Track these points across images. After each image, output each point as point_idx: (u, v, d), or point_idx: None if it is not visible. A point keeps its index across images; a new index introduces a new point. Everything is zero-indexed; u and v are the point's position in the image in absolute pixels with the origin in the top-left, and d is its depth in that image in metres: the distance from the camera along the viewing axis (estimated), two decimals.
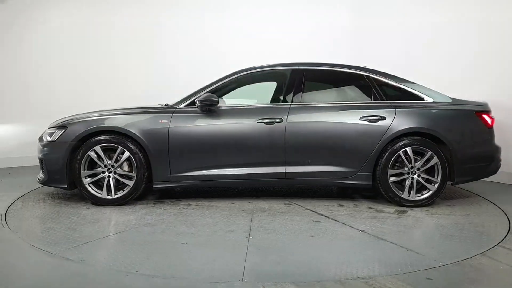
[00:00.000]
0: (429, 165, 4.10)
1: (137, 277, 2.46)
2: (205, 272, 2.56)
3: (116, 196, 4.02)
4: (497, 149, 4.33)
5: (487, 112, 4.27)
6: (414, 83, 4.37)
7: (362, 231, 3.39)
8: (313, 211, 3.93)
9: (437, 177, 4.11)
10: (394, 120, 4.09)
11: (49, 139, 4.09)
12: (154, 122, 4.04)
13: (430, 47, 5.80)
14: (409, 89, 4.29)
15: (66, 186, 4.04)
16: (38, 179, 4.18)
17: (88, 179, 4.01)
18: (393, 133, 4.07)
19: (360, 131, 4.09)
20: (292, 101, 4.19)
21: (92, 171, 4.01)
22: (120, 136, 4.00)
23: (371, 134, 4.08)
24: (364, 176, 4.13)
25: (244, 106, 4.24)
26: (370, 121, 4.09)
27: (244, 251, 2.90)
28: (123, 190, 4.04)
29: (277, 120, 4.05)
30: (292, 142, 4.06)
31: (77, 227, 3.40)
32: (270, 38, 6.31)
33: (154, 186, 4.08)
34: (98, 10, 6.63)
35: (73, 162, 3.98)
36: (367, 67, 4.69)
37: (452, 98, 4.36)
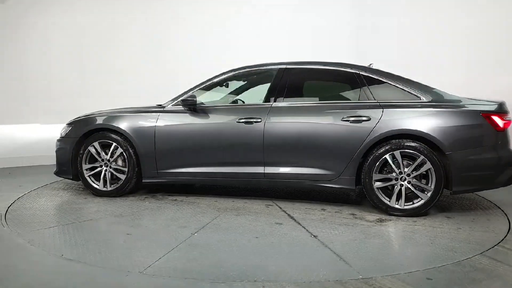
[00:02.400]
0: (420, 171, 3.73)
1: (137, 277, 2.49)
2: (111, 260, 2.73)
3: (111, 188, 4.39)
4: None
5: (499, 113, 3.73)
6: (413, 81, 4.00)
7: (314, 236, 3.24)
8: (286, 213, 3.85)
9: (431, 185, 3.71)
10: (380, 121, 3.80)
11: (61, 135, 4.61)
12: (143, 121, 4.31)
13: (432, 45, 5.27)
14: (404, 88, 3.94)
15: (71, 177, 4.51)
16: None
17: (89, 171, 4.44)
18: (378, 135, 3.78)
19: (341, 133, 3.88)
20: (274, 101, 4.13)
21: (92, 165, 4.43)
22: (114, 133, 4.35)
23: (353, 136, 3.84)
24: (347, 180, 3.90)
25: (226, 105, 4.30)
26: (352, 122, 3.85)
27: (174, 245, 2.99)
28: (117, 183, 4.39)
29: (257, 120, 4.03)
30: (270, 143, 4.00)
31: (58, 213, 3.78)
32: (271, 38, 6.23)
33: (143, 181, 4.35)
34: (98, 10, 6.73)
35: (77, 155, 4.44)
36: (372, 65, 4.46)
37: (458, 98, 3.90)
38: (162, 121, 4.25)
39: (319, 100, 4.20)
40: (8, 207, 4.02)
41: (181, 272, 2.57)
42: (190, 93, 4.26)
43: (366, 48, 5.91)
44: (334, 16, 6.23)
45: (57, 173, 4.63)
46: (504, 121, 3.73)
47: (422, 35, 5.58)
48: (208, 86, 4.39)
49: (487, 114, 3.72)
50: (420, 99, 3.88)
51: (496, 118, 3.71)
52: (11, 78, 6.53)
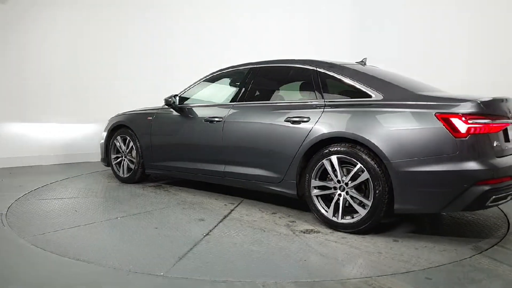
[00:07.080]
0: (357, 181, 3.23)
1: (137, 276, 2.50)
2: (26, 228, 3.36)
3: (126, 176, 5.15)
4: (485, 172, 2.87)
5: (466, 115, 2.89)
6: (375, 77, 3.49)
7: (207, 234, 3.24)
8: (229, 211, 3.88)
9: (370, 199, 3.18)
10: (318, 123, 3.44)
11: (104, 129, 5.62)
12: (145, 119, 4.91)
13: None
14: (357, 85, 3.44)
15: (106, 164, 5.47)
16: None
17: (115, 160, 5.31)
18: (314, 137, 3.43)
19: (282, 134, 3.65)
20: (236, 101, 4.15)
21: (116, 155, 5.28)
22: (128, 129, 5.09)
23: (293, 138, 3.58)
24: (289, 184, 3.66)
25: (200, 105, 4.50)
26: (293, 122, 3.59)
27: (83, 224, 3.46)
28: (130, 172, 5.12)
29: (218, 119, 4.14)
30: (228, 142, 4.05)
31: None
32: (273, 38, 5.82)
33: (145, 171, 4.96)
34: (99, 10, 6.78)
35: (108, 147, 5.38)
36: (366, 59, 4.09)
37: (421, 95, 3.20)
38: (156, 119, 4.78)
39: (275, 100, 4.02)
40: (9, 207, 4.01)
41: (49, 244, 2.99)
42: (174, 93, 4.65)
43: (366, 46, 5.16)
44: (334, 14, 5.62)
45: (101, 160, 5.65)
46: (471, 125, 2.88)
47: (422, 32, 4.60)
48: (197, 85, 4.68)
49: (444, 116, 2.94)
50: (371, 98, 3.33)
51: (456, 121, 2.91)
52: (11, 78, 6.41)
